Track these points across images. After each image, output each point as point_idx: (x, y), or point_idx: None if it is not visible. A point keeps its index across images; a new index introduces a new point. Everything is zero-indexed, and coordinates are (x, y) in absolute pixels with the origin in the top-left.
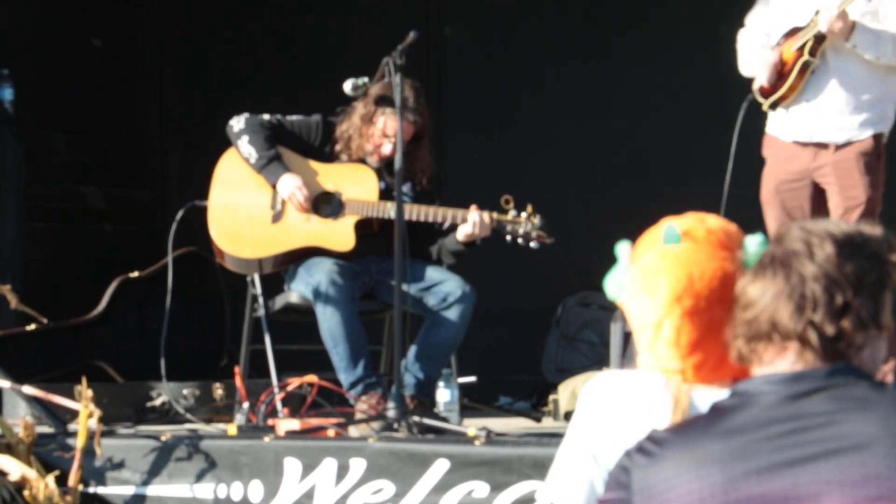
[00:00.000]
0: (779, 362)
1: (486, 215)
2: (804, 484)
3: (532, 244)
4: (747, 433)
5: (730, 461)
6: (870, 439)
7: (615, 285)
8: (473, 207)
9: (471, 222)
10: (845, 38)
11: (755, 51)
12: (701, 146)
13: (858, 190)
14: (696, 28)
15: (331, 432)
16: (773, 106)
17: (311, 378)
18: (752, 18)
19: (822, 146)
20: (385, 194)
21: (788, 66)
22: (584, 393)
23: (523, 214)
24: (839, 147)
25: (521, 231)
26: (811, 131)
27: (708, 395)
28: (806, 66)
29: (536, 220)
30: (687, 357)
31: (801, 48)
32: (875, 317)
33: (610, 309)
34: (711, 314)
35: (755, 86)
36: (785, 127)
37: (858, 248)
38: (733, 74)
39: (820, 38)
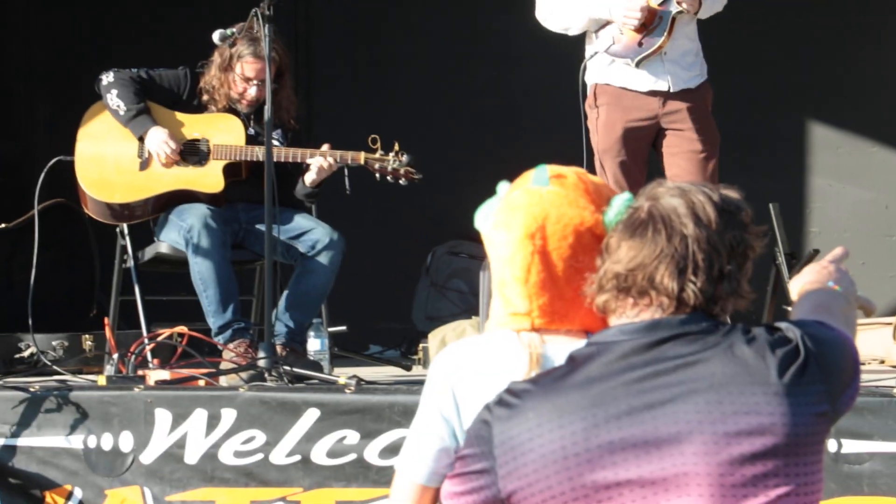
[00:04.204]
0: (641, 314)
1: (329, 157)
2: (664, 425)
3: (401, 181)
4: (606, 380)
5: (590, 408)
6: (725, 378)
7: (482, 216)
8: (324, 147)
9: (314, 167)
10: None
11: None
12: (568, 97)
13: (712, 132)
14: None
15: (201, 382)
16: (639, 63)
17: (181, 328)
18: None
19: (672, 93)
20: (253, 140)
21: (653, 20)
22: (433, 366)
23: (391, 154)
24: (690, 92)
25: (389, 168)
26: (667, 81)
27: (562, 347)
28: (674, 20)
29: (404, 157)
30: (534, 297)
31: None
32: (740, 284)
33: (479, 258)
34: (563, 259)
35: (603, 46)
36: (635, 77)
37: (732, 216)
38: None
39: None
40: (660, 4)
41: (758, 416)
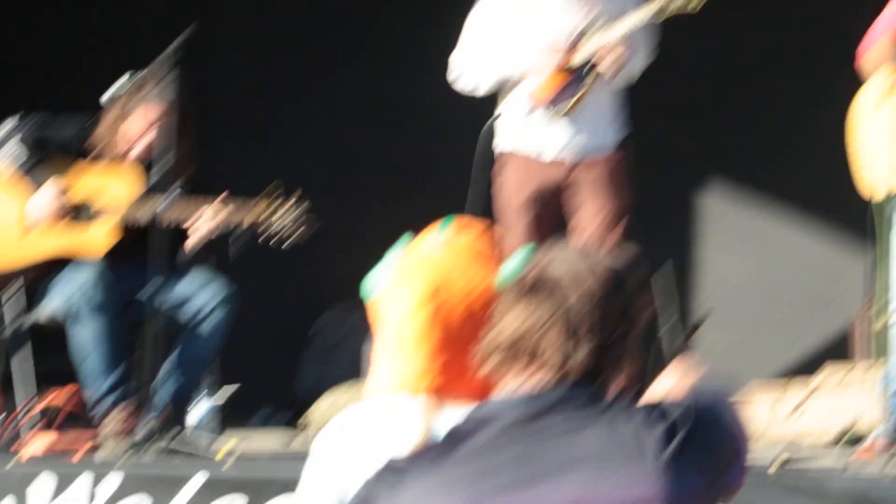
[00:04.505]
0: (525, 382)
1: (217, 218)
2: (544, 497)
3: (297, 231)
4: (488, 454)
5: (473, 482)
6: (604, 453)
7: (375, 281)
8: (220, 198)
9: (200, 230)
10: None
11: (521, 54)
12: (465, 160)
13: (620, 199)
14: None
15: (85, 448)
16: (544, 124)
17: (66, 393)
18: (478, 38)
19: (583, 157)
20: (145, 195)
21: (569, 80)
22: (318, 441)
23: (286, 205)
24: (597, 159)
25: (283, 217)
26: (570, 146)
27: (452, 415)
28: (595, 78)
29: (299, 209)
30: (429, 362)
31: (583, 64)
32: (627, 352)
33: (367, 324)
34: (458, 323)
35: (511, 103)
36: (538, 142)
37: (621, 283)
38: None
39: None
40: (574, 66)
41: (636, 491)
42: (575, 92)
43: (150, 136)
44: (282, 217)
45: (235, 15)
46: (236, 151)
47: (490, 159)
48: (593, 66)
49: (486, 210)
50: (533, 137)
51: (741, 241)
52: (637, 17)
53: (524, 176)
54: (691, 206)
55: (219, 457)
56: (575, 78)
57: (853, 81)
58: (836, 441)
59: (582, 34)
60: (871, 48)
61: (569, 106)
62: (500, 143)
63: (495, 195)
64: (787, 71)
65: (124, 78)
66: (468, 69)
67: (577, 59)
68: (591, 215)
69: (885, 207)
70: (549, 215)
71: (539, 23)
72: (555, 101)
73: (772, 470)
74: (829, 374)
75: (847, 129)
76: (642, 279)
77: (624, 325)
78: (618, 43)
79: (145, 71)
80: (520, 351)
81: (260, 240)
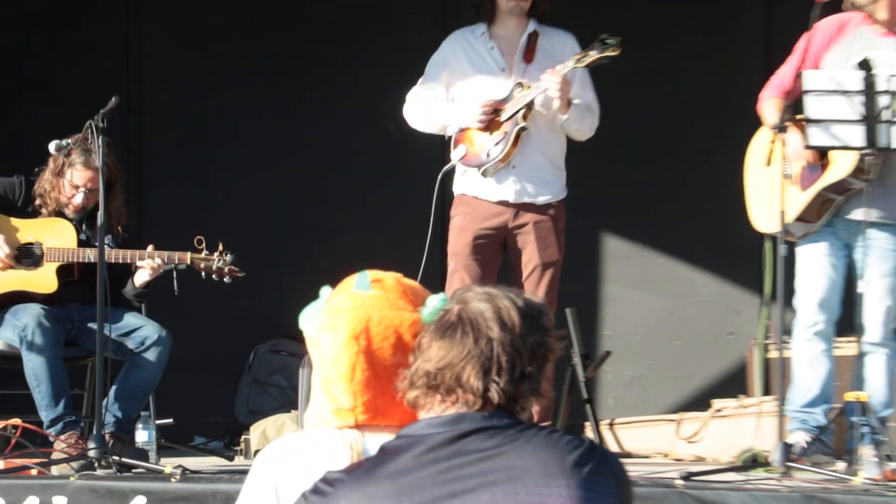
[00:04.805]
0: (447, 410)
1: (156, 258)
2: None
3: (225, 279)
4: (413, 471)
5: (398, 497)
6: (522, 471)
7: (307, 318)
8: (150, 248)
9: (146, 269)
10: (566, 108)
11: (456, 108)
12: (382, 206)
13: (554, 249)
14: (378, 89)
15: (33, 471)
16: (486, 172)
17: (15, 421)
18: (426, 89)
19: (522, 206)
20: (84, 244)
21: (499, 132)
22: (257, 459)
23: (216, 253)
24: (536, 207)
25: (214, 267)
26: (515, 193)
27: (380, 442)
28: (521, 132)
29: (228, 257)
30: (359, 394)
31: (514, 116)
32: (540, 384)
33: (299, 355)
34: (386, 357)
35: (456, 155)
36: (488, 187)
37: (535, 320)
38: (408, 138)
39: (530, 106)
40: (507, 119)
41: None
42: (504, 148)
43: (80, 197)
44: (208, 266)
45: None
46: (169, 198)
47: (446, 200)
48: (521, 123)
49: (442, 247)
50: (480, 182)
51: (645, 281)
52: (566, 66)
53: (472, 217)
54: (600, 250)
55: (167, 470)
56: (505, 136)
57: (747, 133)
58: (735, 459)
59: (512, 94)
60: (761, 106)
61: (497, 158)
62: (455, 185)
63: (450, 233)
64: (685, 125)
65: (53, 144)
66: (413, 113)
67: (506, 114)
68: (525, 259)
69: (771, 247)
70: (493, 254)
71: (476, 79)
72: (489, 153)
73: (678, 483)
74: (728, 401)
75: (742, 176)
76: (553, 317)
77: (538, 359)
78: (561, 76)
79: (72, 139)
80: (444, 381)
81: (202, 275)
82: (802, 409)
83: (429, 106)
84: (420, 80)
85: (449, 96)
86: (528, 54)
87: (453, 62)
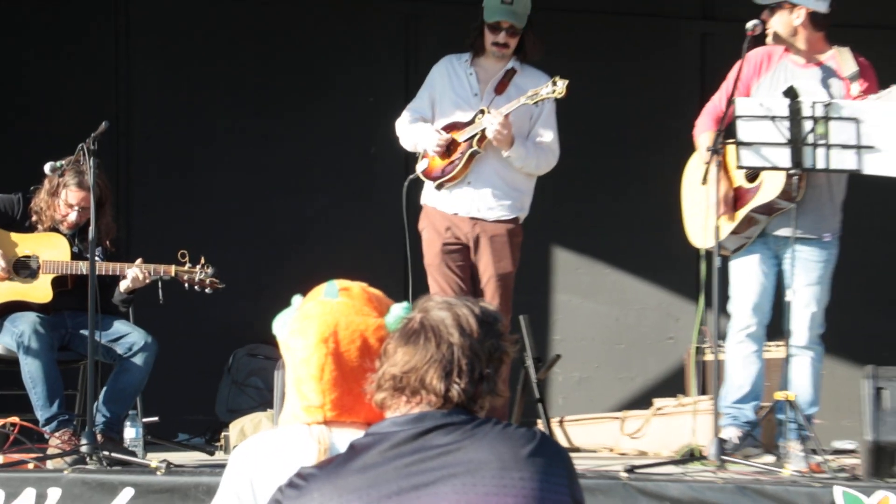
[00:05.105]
0: (412, 410)
1: (143, 270)
2: (427, 503)
3: (206, 290)
4: (380, 466)
5: (366, 489)
6: (480, 464)
7: (280, 324)
8: (138, 261)
9: (130, 277)
10: (507, 146)
11: (426, 132)
12: (350, 223)
13: (508, 262)
14: (347, 115)
15: (30, 465)
16: (440, 186)
17: (14, 419)
18: (415, 105)
19: (478, 221)
20: (76, 257)
21: (457, 153)
22: (234, 454)
23: (198, 266)
24: (492, 224)
25: (196, 279)
26: (469, 207)
27: (347, 437)
28: (473, 155)
29: (209, 269)
30: (327, 393)
31: (471, 139)
32: (496, 384)
33: (274, 359)
34: (352, 359)
35: (419, 167)
36: (445, 200)
37: (491, 326)
38: (389, 153)
39: (484, 135)
40: (465, 140)
41: (508, 497)
42: (457, 166)
43: (74, 215)
44: (191, 278)
45: (153, 100)
46: (155, 215)
47: (415, 210)
48: (474, 147)
49: (413, 253)
50: (437, 194)
51: (592, 290)
52: (518, 101)
53: (437, 228)
54: (551, 262)
55: (153, 464)
56: (460, 156)
57: (683, 156)
58: (674, 454)
59: (474, 118)
60: (697, 134)
61: (451, 175)
62: (421, 196)
63: (423, 246)
64: (628, 149)
65: (48, 165)
66: (399, 132)
67: (464, 136)
68: (482, 270)
69: (706, 261)
70: (463, 260)
71: (452, 99)
72: (444, 170)
73: (623, 475)
74: (667, 400)
75: (678, 196)
76: (508, 323)
77: (495, 361)
78: (503, 117)
79: (66, 160)
80: (409, 384)
81: (185, 286)
82: (734, 406)
83: (406, 128)
84: (413, 100)
85: (432, 113)
86: (501, 87)
87: (438, 83)
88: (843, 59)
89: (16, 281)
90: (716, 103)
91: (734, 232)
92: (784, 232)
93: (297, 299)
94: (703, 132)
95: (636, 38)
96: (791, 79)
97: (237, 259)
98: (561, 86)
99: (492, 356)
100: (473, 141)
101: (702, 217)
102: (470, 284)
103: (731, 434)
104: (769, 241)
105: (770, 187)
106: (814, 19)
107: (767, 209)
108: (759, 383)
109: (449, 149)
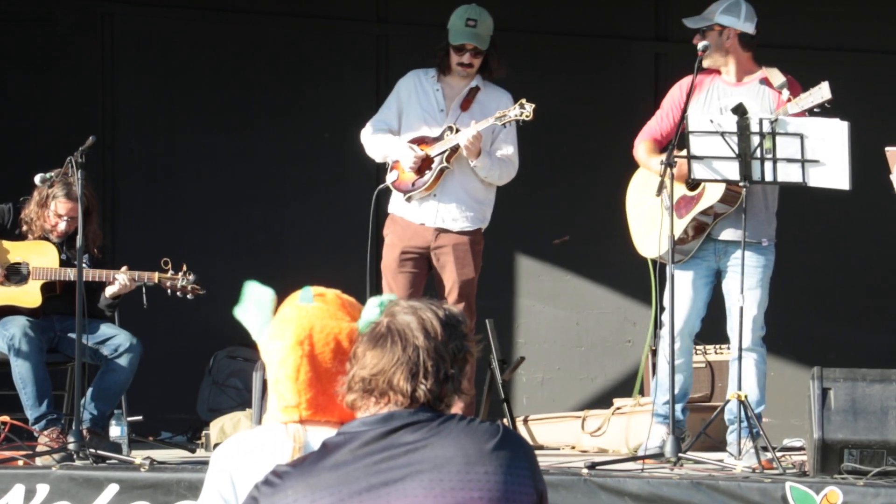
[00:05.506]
0: (380, 411)
1: (128, 276)
2: (396, 500)
3: (188, 296)
4: (350, 463)
5: (337, 486)
6: (446, 460)
7: (242, 318)
8: (124, 269)
9: (117, 283)
10: (475, 157)
11: (396, 145)
12: (324, 233)
13: (470, 269)
14: (321, 130)
15: (20, 462)
16: (409, 199)
17: (4, 418)
18: (382, 116)
19: (441, 230)
20: (65, 264)
21: (428, 168)
22: (216, 453)
23: (180, 273)
24: (455, 233)
25: (178, 285)
26: (435, 218)
27: (321, 435)
28: (443, 171)
29: (191, 276)
30: (302, 393)
31: (441, 155)
32: (461, 384)
33: (252, 360)
34: (326, 361)
35: (389, 178)
36: (412, 210)
37: (455, 328)
38: (360, 167)
39: (455, 149)
40: (436, 155)
41: (474, 492)
42: (428, 180)
43: (63, 225)
44: (173, 284)
45: (137, 115)
46: (139, 224)
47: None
48: (444, 163)
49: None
50: (405, 205)
51: (554, 296)
52: (488, 121)
53: (401, 235)
54: (515, 269)
55: (137, 461)
56: (430, 172)
57: (634, 169)
58: (633, 451)
59: (443, 134)
60: (637, 149)
61: (422, 188)
62: (389, 205)
63: (383, 250)
64: (584, 161)
65: (38, 177)
66: (365, 141)
67: (434, 151)
68: (446, 277)
69: (653, 270)
70: (419, 270)
71: (419, 113)
72: (415, 183)
73: (584, 471)
74: (626, 400)
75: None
76: (466, 325)
77: (459, 362)
78: (475, 133)
79: (55, 172)
80: (378, 385)
81: (167, 293)
82: (666, 405)
83: (374, 138)
84: (379, 110)
85: (398, 125)
86: (466, 104)
87: (405, 96)
88: (771, 74)
89: (7, 286)
90: (651, 126)
91: (679, 241)
92: (726, 236)
93: (249, 285)
94: (642, 150)
95: (593, 58)
96: (723, 97)
97: (217, 266)
98: (529, 109)
99: (456, 357)
100: (443, 157)
101: (647, 227)
102: (420, 294)
103: (661, 431)
104: (708, 253)
105: (712, 193)
106: (742, 40)
107: (712, 213)
108: (688, 385)
109: (421, 164)
